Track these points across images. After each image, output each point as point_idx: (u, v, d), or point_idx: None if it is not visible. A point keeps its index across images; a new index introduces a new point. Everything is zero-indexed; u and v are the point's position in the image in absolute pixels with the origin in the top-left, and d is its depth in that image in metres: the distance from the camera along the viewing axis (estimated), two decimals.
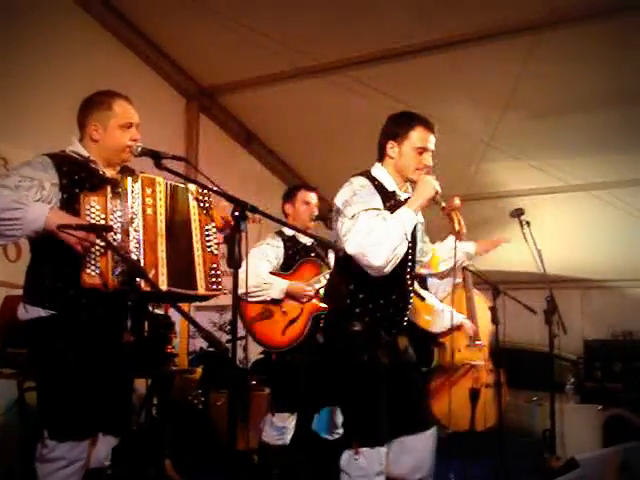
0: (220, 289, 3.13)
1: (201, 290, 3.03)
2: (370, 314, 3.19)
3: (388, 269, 3.06)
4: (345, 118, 6.59)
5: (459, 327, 4.54)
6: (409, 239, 3.15)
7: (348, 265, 3.17)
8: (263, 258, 4.44)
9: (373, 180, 3.28)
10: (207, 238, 3.12)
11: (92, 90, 3.20)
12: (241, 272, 3.94)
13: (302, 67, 6.17)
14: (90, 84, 4.85)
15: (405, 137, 3.26)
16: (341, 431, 4.32)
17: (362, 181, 3.24)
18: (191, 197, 3.11)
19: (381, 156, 3.36)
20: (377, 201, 3.20)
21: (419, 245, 3.50)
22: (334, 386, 3.43)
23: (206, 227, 3.12)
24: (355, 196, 3.15)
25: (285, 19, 5.67)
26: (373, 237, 3.02)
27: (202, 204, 3.11)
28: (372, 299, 3.20)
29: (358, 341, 3.15)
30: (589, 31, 5.30)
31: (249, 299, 4.31)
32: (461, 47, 5.67)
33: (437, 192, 3.19)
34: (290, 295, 4.35)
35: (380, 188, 3.27)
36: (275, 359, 4.40)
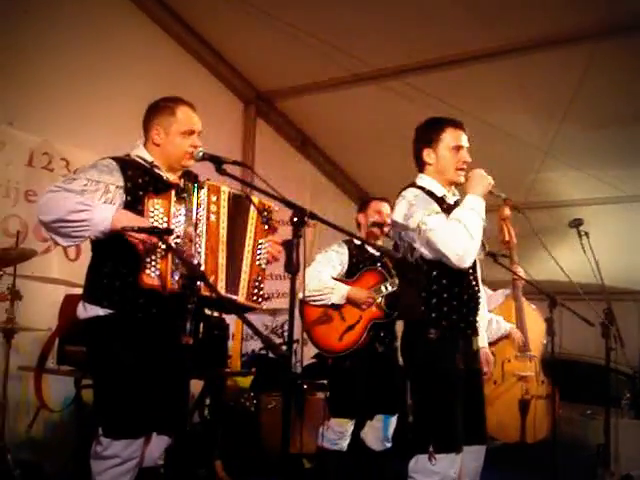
0: (260, 303, 3.17)
1: (241, 298, 3.07)
2: (446, 318, 3.24)
3: (471, 259, 3.17)
4: (401, 125, 6.45)
5: (507, 336, 4.50)
6: (484, 223, 3.21)
7: (417, 274, 3.26)
8: (328, 264, 4.48)
9: (422, 189, 3.35)
10: (259, 250, 3.16)
11: (153, 93, 3.27)
12: (306, 276, 4.02)
13: (359, 73, 6.19)
14: (151, 87, 5.00)
15: (438, 140, 3.35)
16: (389, 444, 4.35)
17: (414, 191, 3.32)
18: (252, 207, 3.15)
19: (421, 166, 3.43)
20: (434, 206, 3.27)
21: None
22: (393, 396, 3.48)
23: (260, 240, 3.17)
24: (413, 206, 3.23)
25: (342, 25, 5.70)
26: (449, 231, 3.12)
27: (263, 217, 3.15)
28: (446, 302, 3.25)
29: (437, 349, 3.21)
30: None
31: (311, 303, 4.35)
32: (520, 55, 5.62)
33: (492, 184, 3.27)
34: (351, 301, 4.37)
35: (430, 195, 3.33)
36: (331, 363, 4.42)
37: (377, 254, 4.56)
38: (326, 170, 7.78)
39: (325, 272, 4.42)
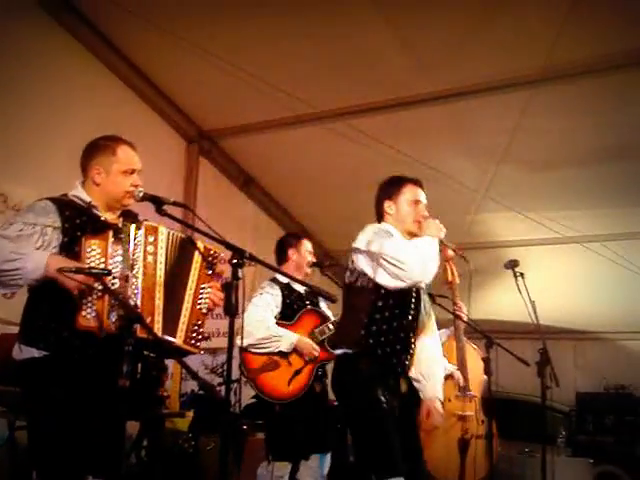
0: (199, 347, 3.14)
1: (179, 340, 3.04)
2: (382, 347, 3.39)
3: (427, 279, 3.40)
4: (343, 165, 6.67)
5: (449, 377, 4.56)
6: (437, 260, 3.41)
7: (362, 300, 3.44)
8: (267, 308, 4.47)
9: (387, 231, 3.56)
10: (200, 295, 3.14)
11: (93, 130, 3.25)
12: (247, 323, 4.05)
13: (302, 114, 6.24)
14: (92, 124, 4.96)
15: (398, 194, 3.63)
16: None
17: (378, 225, 3.60)
18: (197, 252, 3.14)
19: (380, 217, 3.68)
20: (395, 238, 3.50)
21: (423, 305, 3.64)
22: (326, 434, 3.52)
23: (203, 285, 3.14)
24: (376, 234, 3.47)
25: (286, 67, 5.76)
26: (409, 251, 3.34)
27: (207, 262, 3.14)
28: (385, 333, 3.40)
29: (367, 381, 3.34)
30: (585, 87, 5.41)
31: (255, 350, 4.34)
32: (459, 99, 5.76)
33: (444, 233, 3.50)
34: (297, 349, 4.38)
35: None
36: (279, 410, 4.38)
37: (302, 291, 4.61)
38: (269, 210, 7.80)
39: (270, 319, 4.42)
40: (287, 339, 4.37)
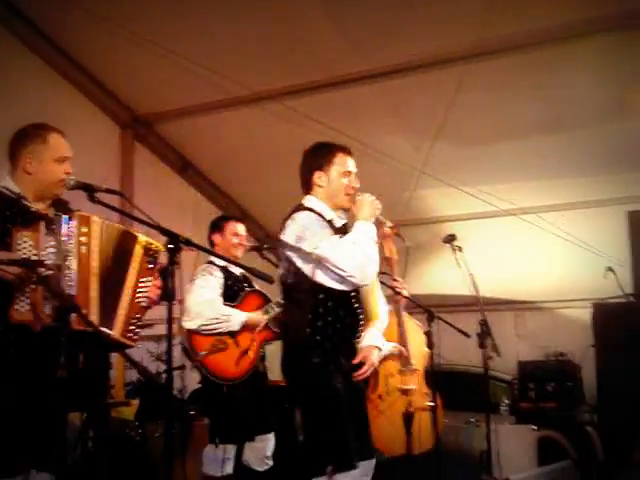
0: (136, 340, 3.14)
1: (116, 333, 3.03)
2: (330, 341, 3.28)
3: (371, 279, 3.27)
4: (280, 146, 6.65)
5: (390, 355, 4.61)
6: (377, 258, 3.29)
7: (303, 296, 3.31)
8: (211, 289, 4.45)
9: (312, 211, 3.40)
10: (140, 289, 3.12)
11: (24, 118, 3.19)
12: (195, 304, 4.01)
13: (237, 96, 6.20)
14: (22, 112, 4.84)
15: (330, 164, 3.43)
16: (271, 462, 4.38)
17: (307, 214, 3.37)
18: (138, 246, 3.11)
19: (308, 189, 3.49)
20: (328, 231, 3.35)
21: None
22: (270, 413, 3.52)
23: (142, 279, 3.13)
24: (307, 231, 3.28)
25: (220, 49, 5.72)
26: (347, 253, 3.18)
27: (149, 256, 3.11)
28: (331, 324, 3.30)
29: (320, 371, 3.25)
30: (516, 61, 5.48)
31: (206, 331, 4.32)
32: (393, 77, 5.79)
33: (379, 209, 3.39)
34: (247, 326, 4.38)
35: (320, 217, 3.39)
36: (227, 392, 4.37)
37: (240, 274, 4.60)
38: (208, 193, 7.73)
39: (217, 299, 4.41)
40: (236, 318, 4.37)
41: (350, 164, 3.46)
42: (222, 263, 4.51)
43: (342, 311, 3.33)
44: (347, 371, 3.36)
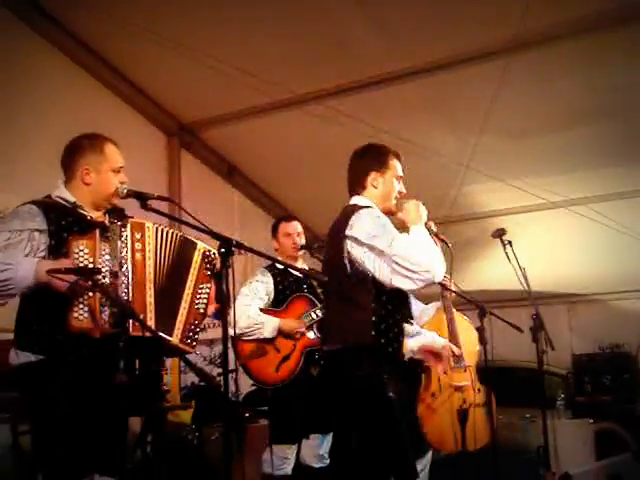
0: (194, 347, 3.18)
1: (175, 339, 3.06)
2: (392, 345, 3.21)
3: (440, 277, 3.17)
4: (323, 147, 6.68)
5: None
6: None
7: (364, 297, 3.21)
8: (254, 297, 4.49)
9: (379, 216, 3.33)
10: (199, 295, 3.17)
11: (73, 130, 3.23)
12: (235, 312, 4.03)
13: (279, 100, 6.25)
14: (71, 125, 4.92)
15: (387, 167, 3.40)
16: (327, 461, 4.39)
17: (376, 212, 3.31)
18: (197, 253, 3.17)
19: (359, 189, 3.45)
20: (396, 231, 3.25)
21: None
22: (326, 414, 3.49)
23: (201, 285, 3.18)
24: (383, 228, 3.20)
25: (260, 53, 5.76)
26: (420, 252, 3.10)
27: (207, 264, 3.17)
28: (391, 328, 3.23)
29: (377, 379, 3.17)
30: (557, 51, 5.44)
31: (244, 338, 4.36)
32: (434, 74, 5.79)
33: (426, 215, 3.33)
34: (282, 333, 4.41)
35: None
36: (271, 395, 4.43)
37: (301, 276, 4.60)
38: (254, 197, 7.81)
39: (253, 306, 4.44)
40: (269, 324, 4.40)
41: (401, 169, 3.46)
42: (279, 267, 4.54)
43: (399, 315, 3.29)
44: (398, 377, 3.31)
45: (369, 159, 3.44)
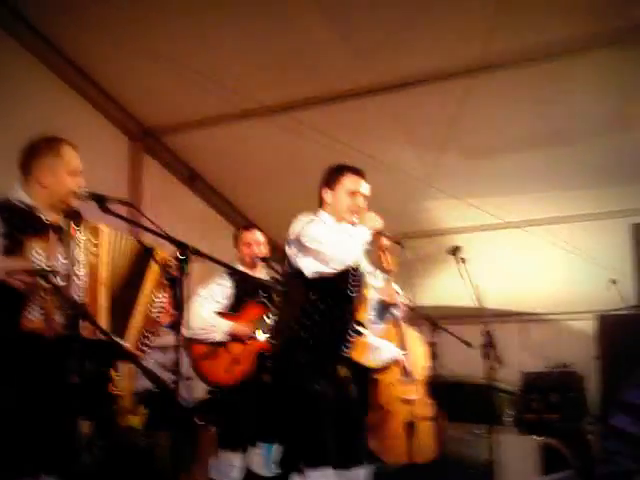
0: (145, 352, 3.26)
1: (128, 343, 3.12)
2: (315, 339, 3.42)
3: (346, 261, 3.39)
4: (288, 158, 6.73)
5: (394, 362, 4.65)
6: (362, 250, 3.48)
7: (296, 295, 3.50)
8: (210, 299, 4.52)
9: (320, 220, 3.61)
10: (154, 302, 3.22)
11: (34, 130, 3.24)
12: (190, 313, 4.08)
13: (245, 109, 6.27)
14: (33, 125, 4.86)
15: (337, 183, 3.65)
16: (276, 469, 4.43)
17: (310, 215, 3.61)
18: (156, 261, 3.21)
19: (320, 204, 3.71)
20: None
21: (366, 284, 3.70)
22: (276, 422, 3.61)
23: (158, 293, 3.23)
24: (308, 224, 3.50)
25: (228, 62, 5.78)
26: (329, 231, 3.42)
27: (165, 271, 3.20)
28: (318, 325, 3.44)
29: (304, 371, 3.39)
30: (519, 75, 5.55)
31: (195, 340, 4.39)
32: (399, 90, 5.85)
33: (381, 225, 3.56)
34: (234, 336, 4.44)
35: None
36: (220, 398, 4.46)
37: (258, 284, 4.65)
38: (216, 205, 7.80)
39: (206, 308, 4.48)
40: (220, 327, 4.44)
41: (358, 185, 3.65)
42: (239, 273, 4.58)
43: (332, 315, 3.47)
44: (334, 377, 3.46)
45: (324, 176, 3.73)
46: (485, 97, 5.82)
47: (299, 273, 3.47)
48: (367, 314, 3.74)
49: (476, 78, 5.62)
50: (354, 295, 3.58)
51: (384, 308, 3.78)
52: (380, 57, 5.60)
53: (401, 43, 5.42)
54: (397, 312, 3.82)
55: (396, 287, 3.73)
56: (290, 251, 3.51)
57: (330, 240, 3.37)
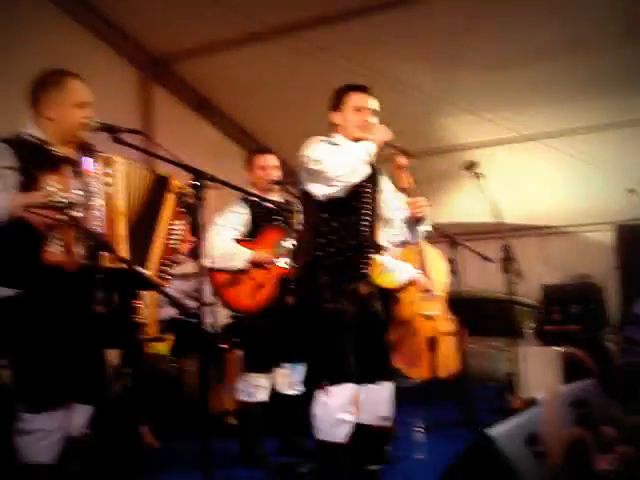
0: (168, 280, 3.28)
1: (150, 272, 3.14)
2: (332, 259, 3.44)
3: (350, 178, 3.35)
4: (299, 80, 6.64)
5: (412, 282, 4.67)
6: (368, 161, 3.43)
7: (310, 216, 3.53)
8: (228, 227, 4.51)
9: (329, 142, 3.56)
10: (172, 231, 3.24)
11: (40, 65, 3.20)
12: (209, 243, 4.10)
13: (253, 32, 6.18)
14: (39, 60, 4.82)
15: (343, 102, 3.61)
16: (300, 388, 4.54)
17: (320, 140, 3.54)
18: (170, 189, 3.21)
19: (332, 127, 3.66)
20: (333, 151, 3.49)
21: (385, 204, 3.70)
22: (300, 343, 3.68)
23: (175, 221, 3.25)
24: (315, 150, 3.46)
25: None
26: (331, 151, 3.40)
27: (181, 200, 3.22)
28: (333, 244, 3.45)
29: (324, 291, 3.41)
30: None
31: (216, 269, 4.41)
32: (408, 4, 5.75)
33: (390, 136, 3.49)
34: (255, 263, 4.46)
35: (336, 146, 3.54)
36: (247, 324, 4.51)
37: (275, 208, 4.64)
38: (229, 131, 7.76)
39: (225, 236, 4.47)
40: (240, 255, 4.45)
41: (363, 101, 3.59)
42: (254, 199, 4.55)
43: (346, 232, 3.47)
44: (355, 294, 3.48)
45: (330, 101, 3.68)
46: (498, 6, 5.68)
47: (311, 195, 3.47)
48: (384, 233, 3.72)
49: None
50: (367, 211, 3.56)
51: (414, 224, 3.75)
52: None
53: None
54: (426, 227, 3.77)
55: (422, 199, 3.68)
56: (301, 175, 3.51)
57: (331, 159, 3.35)
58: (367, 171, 3.43)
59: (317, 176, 3.38)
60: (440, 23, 5.93)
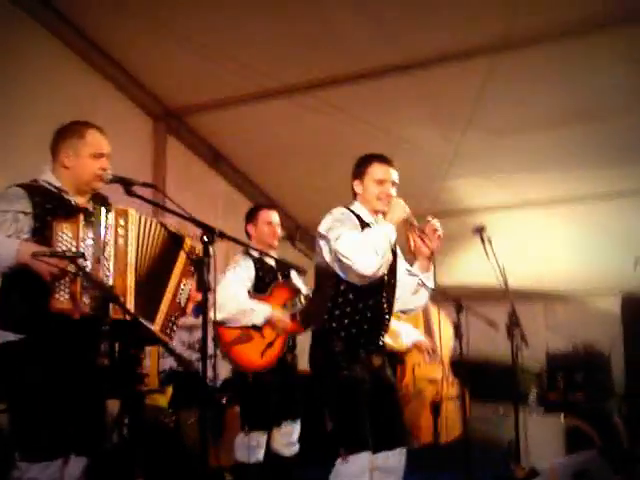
0: (172, 337, 3.28)
1: (156, 327, 3.14)
2: (345, 330, 3.46)
3: (372, 272, 3.36)
4: (311, 138, 6.71)
5: (417, 345, 4.65)
6: (393, 248, 3.51)
7: (327, 285, 3.52)
8: (241, 282, 4.51)
9: (352, 212, 3.64)
10: (181, 290, 3.26)
11: (58, 112, 3.28)
12: (221, 297, 4.11)
13: (268, 88, 6.26)
14: (55, 106, 4.91)
15: (365, 173, 3.67)
16: (297, 447, 4.51)
17: (342, 210, 3.62)
18: (184, 247, 3.25)
19: (353, 196, 3.74)
20: (357, 226, 3.55)
21: (401, 276, 3.74)
22: (297, 402, 3.66)
23: (184, 280, 3.27)
24: (338, 222, 3.51)
25: (251, 41, 5.75)
26: (359, 246, 3.36)
27: (191, 258, 3.24)
28: (348, 316, 3.47)
29: (338, 359, 3.44)
30: (544, 52, 5.49)
31: (230, 324, 4.40)
32: (423, 68, 5.82)
33: (408, 213, 3.54)
34: (271, 322, 4.44)
35: (358, 219, 3.61)
36: (253, 381, 4.47)
37: (274, 265, 4.65)
38: (240, 186, 7.80)
39: (241, 292, 4.47)
40: (261, 312, 4.43)
41: (385, 173, 3.65)
42: (256, 254, 4.56)
43: (362, 304, 3.49)
44: (369, 364, 3.50)
45: (353, 169, 3.75)
46: (509, 75, 5.77)
47: (327, 264, 3.50)
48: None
49: (500, 55, 5.56)
50: (386, 293, 3.59)
51: (427, 268, 3.77)
52: (403, 36, 5.55)
53: (425, 20, 5.37)
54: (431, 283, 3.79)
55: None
56: (321, 246, 3.54)
57: (361, 255, 3.34)
58: (391, 259, 3.46)
59: (347, 270, 3.40)
60: (452, 87, 6.01)
